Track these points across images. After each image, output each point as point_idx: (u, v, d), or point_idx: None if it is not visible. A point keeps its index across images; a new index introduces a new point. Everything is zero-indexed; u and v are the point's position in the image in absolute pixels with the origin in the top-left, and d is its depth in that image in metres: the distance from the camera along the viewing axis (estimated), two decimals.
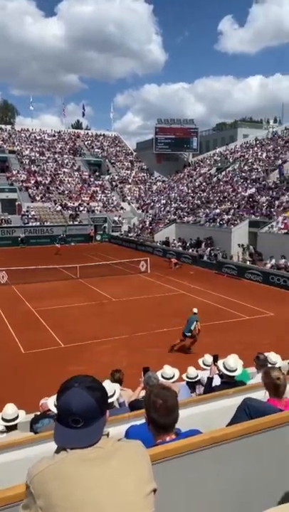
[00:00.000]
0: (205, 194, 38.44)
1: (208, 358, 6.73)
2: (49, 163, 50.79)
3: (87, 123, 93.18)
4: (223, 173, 40.98)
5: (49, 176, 48.29)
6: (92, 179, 50.60)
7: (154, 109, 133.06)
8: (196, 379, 6.76)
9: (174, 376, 5.64)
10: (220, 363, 5.19)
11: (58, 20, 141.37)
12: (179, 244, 32.45)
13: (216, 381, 5.47)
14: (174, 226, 35.69)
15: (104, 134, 63.05)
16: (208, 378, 5.59)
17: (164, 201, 43.60)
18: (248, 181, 34.86)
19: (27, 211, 41.32)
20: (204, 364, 7.03)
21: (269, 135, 45.88)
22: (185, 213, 36.56)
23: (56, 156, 52.58)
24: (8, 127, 57.88)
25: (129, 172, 54.95)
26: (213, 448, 2.06)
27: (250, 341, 12.32)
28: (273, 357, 6.05)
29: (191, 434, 2.16)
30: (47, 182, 47.15)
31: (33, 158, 50.63)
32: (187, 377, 6.81)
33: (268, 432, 2.24)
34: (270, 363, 5.72)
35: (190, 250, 30.19)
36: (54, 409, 4.20)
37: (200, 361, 7.21)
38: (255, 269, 23.27)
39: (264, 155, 39.71)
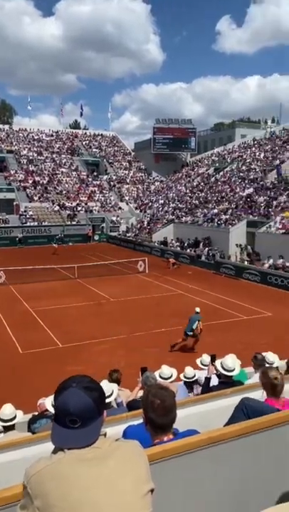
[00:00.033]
0: (203, 194, 38.47)
1: (206, 358, 6.73)
2: (47, 163, 50.73)
3: (85, 123, 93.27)
4: (221, 173, 41.02)
5: (47, 176, 48.23)
6: (90, 179, 50.57)
7: (152, 109, 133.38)
8: (194, 379, 6.76)
9: (171, 376, 5.64)
10: (218, 362, 5.19)
11: (56, 20, 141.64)
12: (177, 244, 32.46)
13: (214, 381, 5.47)
14: (172, 226, 35.71)
15: (102, 134, 63.02)
16: (206, 378, 5.60)
17: (162, 201, 43.61)
18: (246, 181, 34.90)
19: (25, 211, 41.26)
20: (202, 364, 7.03)
21: (267, 135, 45.95)
22: (183, 213, 36.58)
23: (54, 155, 52.52)
24: (6, 127, 57.81)
25: (127, 172, 54.94)
26: (211, 448, 2.06)
27: (248, 341, 12.34)
28: (271, 357, 6.06)
29: (189, 434, 2.16)
30: (45, 182, 47.09)
31: (30, 158, 50.56)
32: (184, 377, 6.81)
33: (265, 432, 2.24)
34: (268, 363, 5.73)
35: (188, 250, 30.20)
36: (52, 410, 4.20)
37: (198, 361, 7.21)
38: (253, 269, 23.29)
39: (262, 155, 39.76)
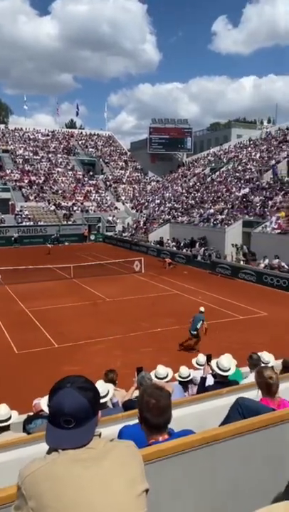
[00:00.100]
0: (199, 194, 38.53)
1: (202, 358, 6.74)
2: (43, 162, 50.61)
3: (81, 122, 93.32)
4: (217, 173, 41.10)
5: (43, 176, 48.12)
6: (86, 179, 50.49)
7: (148, 109, 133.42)
8: (188, 378, 6.76)
9: (167, 376, 5.63)
10: (213, 362, 5.20)
11: (52, 20, 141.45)
12: (173, 244, 32.49)
13: (209, 381, 5.48)
14: (168, 226, 35.74)
15: (98, 134, 62.95)
16: (202, 378, 5.60)
17: (158, 201, 43.63)
18: (242, 181, 34.99)
19: (20, 211, 41.16)
20: (198, 364, 7.05)
21: (263, 135, 46.06)
22: (179, 213, 36.61)
23: (50, 155, 52.41)
24: (2, 126, 57.61)
25: (123, 172, 54.91)
26: (206, 448, 2.06)
27: (244, 341, 12.37)
28: (266, 356, 6.07)
29: (184, 434, 2.16)
30: (41, 181, 46.98)
31: (26, 157, 50.42)
32: (179, 377, 6.81)
33: (260, 432, 2.25)
34: (263, 363, 5.73)
35: (184, 250, 30.24)
36: (47, 410, 4.18)
37: (193, 361, 7.22)
38: (248, 269, 23.35)
39: (258, 155, 39.87)
